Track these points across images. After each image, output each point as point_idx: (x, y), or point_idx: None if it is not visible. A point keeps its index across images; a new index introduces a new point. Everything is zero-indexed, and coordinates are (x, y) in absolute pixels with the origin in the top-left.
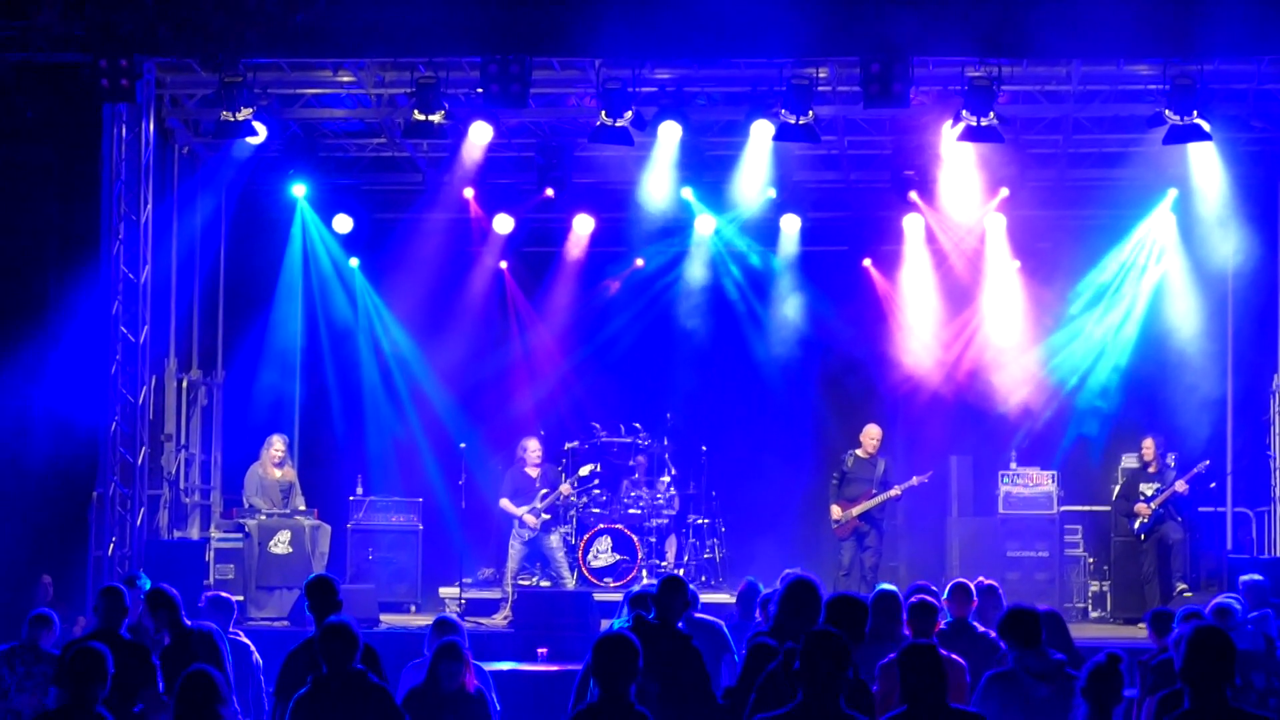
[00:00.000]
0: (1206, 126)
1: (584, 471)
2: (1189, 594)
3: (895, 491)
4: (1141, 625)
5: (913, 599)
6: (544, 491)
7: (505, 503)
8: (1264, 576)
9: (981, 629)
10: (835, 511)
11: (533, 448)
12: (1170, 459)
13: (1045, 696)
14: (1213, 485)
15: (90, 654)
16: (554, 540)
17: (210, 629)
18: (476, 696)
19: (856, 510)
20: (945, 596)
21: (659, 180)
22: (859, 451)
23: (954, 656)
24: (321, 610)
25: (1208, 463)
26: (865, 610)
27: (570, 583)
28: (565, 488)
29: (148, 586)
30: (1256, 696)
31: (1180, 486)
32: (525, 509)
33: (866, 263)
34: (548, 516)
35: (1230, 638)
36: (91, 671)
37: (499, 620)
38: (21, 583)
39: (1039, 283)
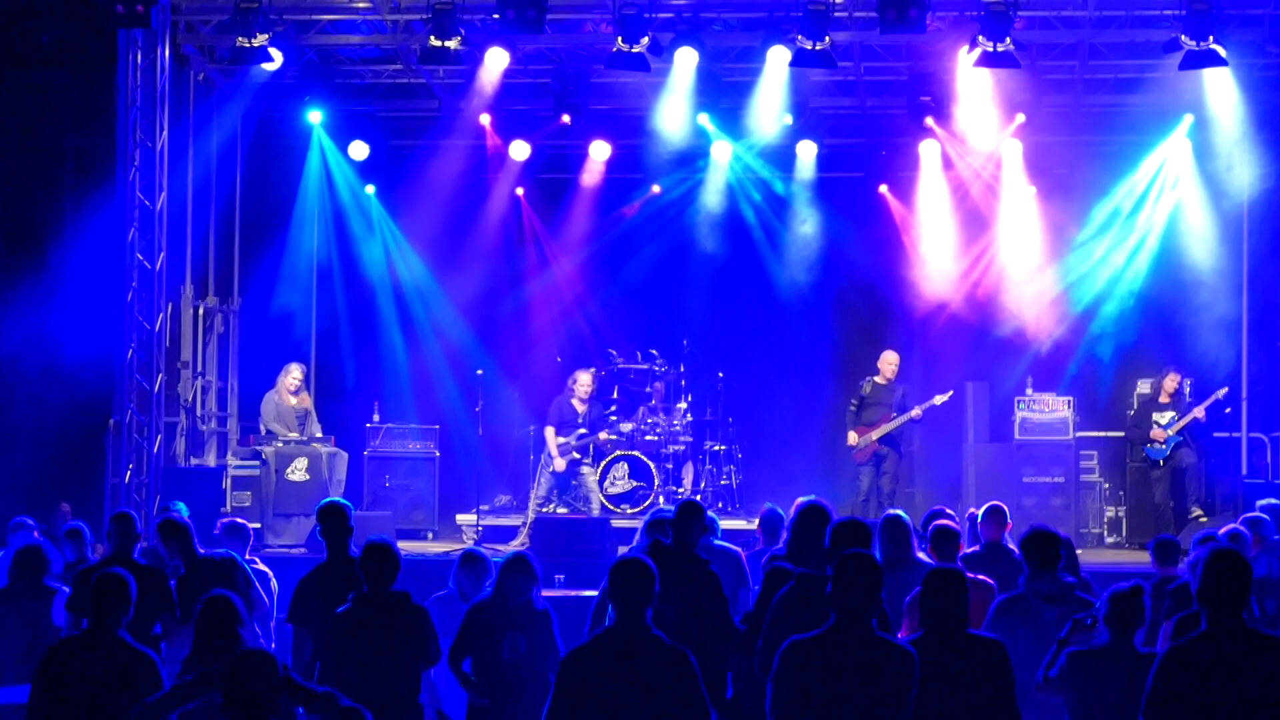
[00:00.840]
0: (1222, 52)
1: (626, 427)
2: (1204, 519)
3: (916, 412)
4: None
5: (934, 524)
6: (582, 431)
7: (548, 431)
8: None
9: (1018, 552)
10: (852, 437)
11: (583, 381)
12: (1186, 386)
13: (1053, 619)
14: (1228, 410)
15: (113, 579)
16: (586, 472)
17: (228, 555)
18: (543, 612)
19: (876, 433)
20: (980, 519)
21: (675, 107)
22: (877, 378)
23: (981, 577)
24: (334, 535)
25: (1226, 390)
26: (869, 534)
27: (595, 512)
28: (604, 435)
29: (186, 514)
30: (1267, 622)
31: (1199, 413)
32: (560, 441)
33: (883, 189)
34: (576, 456)
35: (1247, 560)
36: (115, 596)
37: (517, 546)
38: (41, 509)
39: (1055, 208)
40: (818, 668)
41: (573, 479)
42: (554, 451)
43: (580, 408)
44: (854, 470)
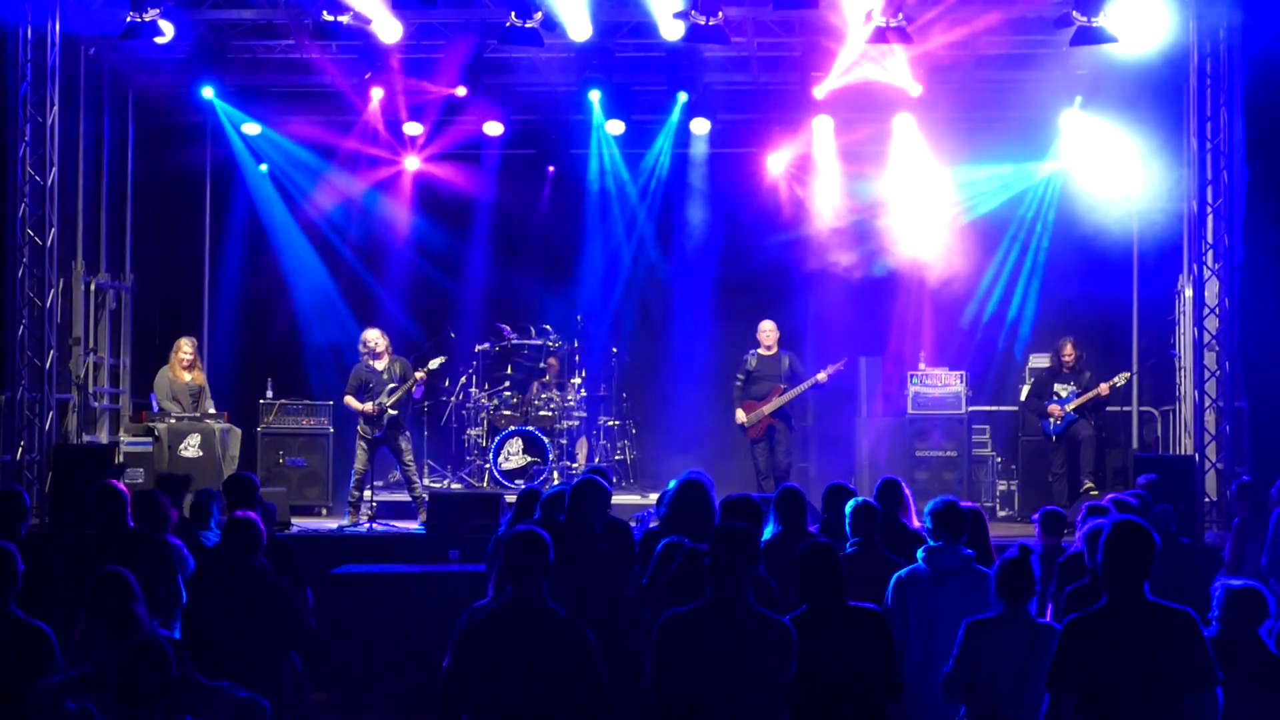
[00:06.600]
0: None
1: (434, 364)
2: (1095, 492)
3: (821, 377)
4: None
5: (857, 502)
6: (391, 385)
7: (349, 399)
8: (1164, 474)
9: (915, 526)
10: (740, 415)
11: (372, 339)
12: (1082, 354)
13: (951, 591)
14: (1119, 384)
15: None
16: (404, 443)
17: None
18: None
19: (769, 407)
20: (874, 494)
21: (569, 82)
22: (760, 350)
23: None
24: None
25: (1129, 375)
26: (758, 509)
27: (416, 489)
28: (419, 374)
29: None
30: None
31: (1104, 389)
32: (370, 404)
33: (775, 165)
34: (394, 413)
35: (1150, 531)
36: (2, 572)
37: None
38: None
39: (948, 182)
40: (694, 641)
41: (390, 449)
42: (358, 407)
43: (379, 365)
44: (747, 444)
